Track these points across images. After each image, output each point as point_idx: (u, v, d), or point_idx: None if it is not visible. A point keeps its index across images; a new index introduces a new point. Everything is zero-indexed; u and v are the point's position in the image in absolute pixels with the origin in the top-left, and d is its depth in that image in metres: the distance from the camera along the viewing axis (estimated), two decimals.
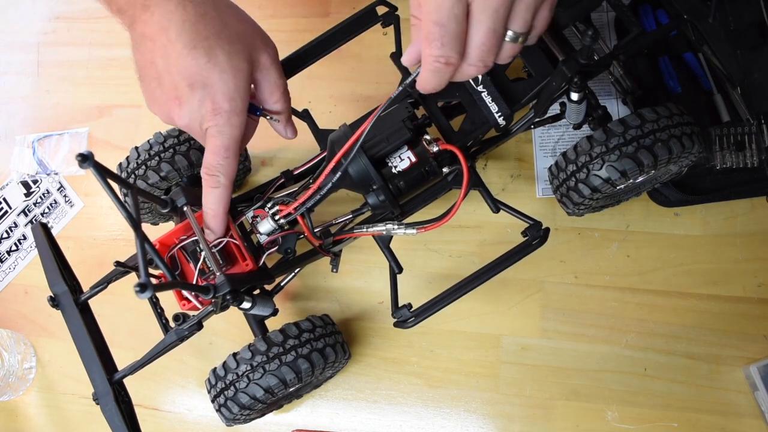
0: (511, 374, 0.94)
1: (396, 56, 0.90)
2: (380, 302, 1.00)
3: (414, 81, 0.66)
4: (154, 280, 0.59)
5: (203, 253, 0.76)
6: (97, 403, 0.80)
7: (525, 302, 0.96)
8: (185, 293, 0.76)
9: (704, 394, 0.90)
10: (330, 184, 0.77)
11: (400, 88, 0.71)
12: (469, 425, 0.94)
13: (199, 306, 0.77)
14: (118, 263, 0.82)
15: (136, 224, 0.61)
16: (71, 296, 0.84)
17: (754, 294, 0.91)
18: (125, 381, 0.82)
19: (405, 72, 0.87)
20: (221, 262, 0.77)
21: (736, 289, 0.92)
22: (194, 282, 0.77)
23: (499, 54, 0.62)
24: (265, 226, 0.81)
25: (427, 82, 0.63)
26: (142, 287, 0.54)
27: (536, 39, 0.64)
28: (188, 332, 0.81)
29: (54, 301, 0.85)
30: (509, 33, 0.61)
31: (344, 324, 1.00)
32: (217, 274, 0.74)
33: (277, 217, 0.81)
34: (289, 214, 0.80)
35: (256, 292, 0.85)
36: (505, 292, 0.97)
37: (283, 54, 0.90)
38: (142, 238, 0.61)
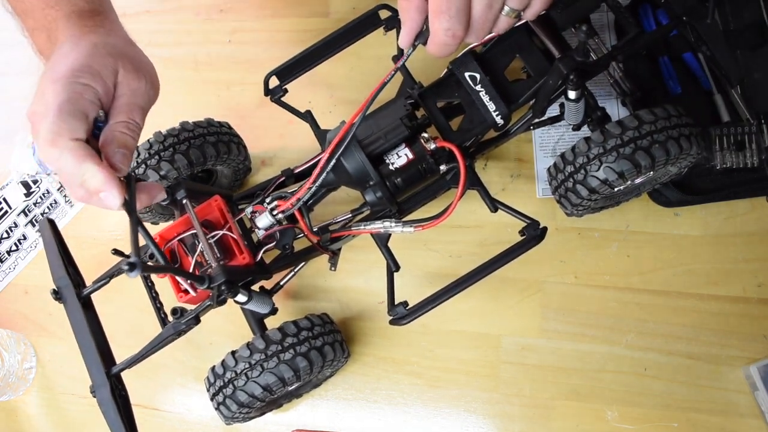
0: (511, 374, 0.94)
1: (398, 60, 0.90)
2: (380, 302, 1.00)
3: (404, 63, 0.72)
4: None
5: (200, 245, 0.77)
6: (94, 396, 0.80)
7: (525, 302, 0.96)
8: (183, 285, 0.77)
9: (704, 394, 0.89)
10: (325, 174, 0.77)
11: (393, 72, 0.74)
12: (469, 425, 0.94)
13: (194, 294, 0.77)
14: (115, 251, 0.82)
15: (131, 209, 0.63)
16: (74, 290, 0.85)
17: (754, 294, 0.91)
18: (125, 378, 0.83)
19: (405, 71, 0.88)
20: (218, 254, 0.77)
21: (736, 289, 0.92)
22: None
23: (494, 26, 0.66)
24: (263, 220, 0.82)
25: (434, 53, 0.67)
26: (131, 266, 0.54)
27: (533, 16, 0.67)
28: (186, 326, 0.81)
29: (57, 294, 0.85)
30: (506, 8, 0.64)
31: (344, 324, 1.00)
32: (213, 265, 0.74)
33: (275, 212, 0.81)
34: (287, 209, 0.80)
35: (256, 289, 0.85)
36: (505, 292, 0.97)
37: (285, 56, 0.90)
38: (135, 219, 0.62)
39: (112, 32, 0.73)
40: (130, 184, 0.66)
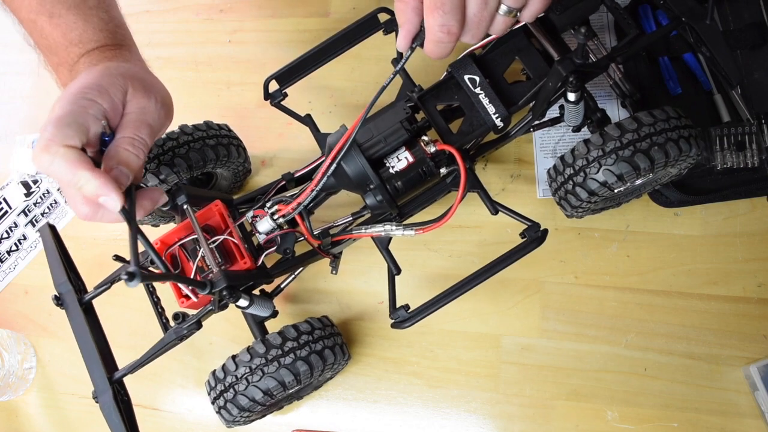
0: (511, 374, 0.94)
1: (397, 63, 0.90)
2: (380, 302, 1.00)
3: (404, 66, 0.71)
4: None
5: (201, 250, 0.77)
6: (97, 402, 0.80)
7: (525, 302, 0.96)
8: (184, 290, 0.77)
9: (704, 394, 0.89)
10: (326, 179, 0.77)
11: (392, 75, 0.73)
12: (469, 425, 0.94)
13: (195, 299, 0.77)
14: (117, 257, 0.82)
15: (130, 217, 0.63)
16: (75, 296, 0.85)
17: (754, 294, 0.91)
18: (126, 381, 0.83)
19: (405, 74, 0.87)
20: (219, 259, 0.77)
21: (736, 289, 0.92)
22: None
23: (491, 26, 0.66)
24: (264, 225, 0.82)
25: (431, 53, 0.66)
26: (130, 275, 0.54)
27: (531, 17, 0.67)
28: (187, 331, 0.81)
29: (58, 300, 0.85)
30: (502, 7, 0.64)
31: (344, 324, 1.00)
32: (214, 270, 0.74)
33: (275, 217, 0.81)
34: (288, 213, 0.80)
35: (256, 292, 0.85)
36: (505, 292, 0.97)
37: (285, 56, 0.90)
38: (134, 228, 0.62)
39: (130, 61, 0.76)
40: (129, 192, 0.66)
